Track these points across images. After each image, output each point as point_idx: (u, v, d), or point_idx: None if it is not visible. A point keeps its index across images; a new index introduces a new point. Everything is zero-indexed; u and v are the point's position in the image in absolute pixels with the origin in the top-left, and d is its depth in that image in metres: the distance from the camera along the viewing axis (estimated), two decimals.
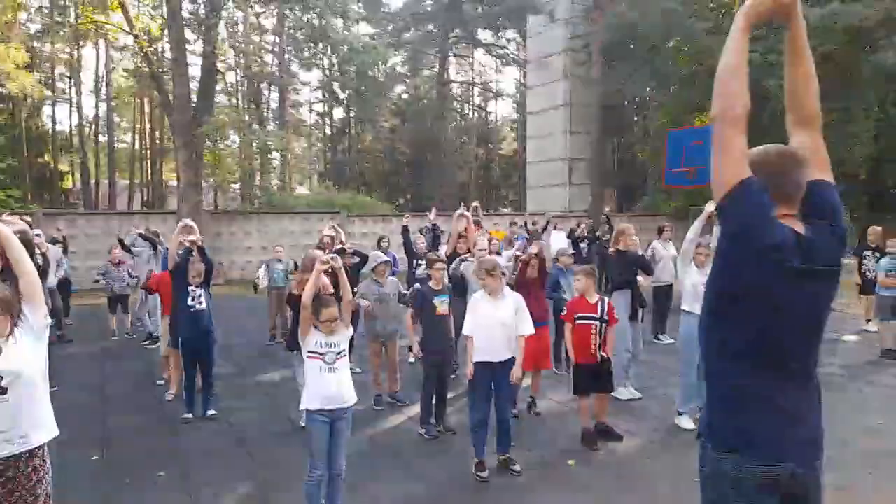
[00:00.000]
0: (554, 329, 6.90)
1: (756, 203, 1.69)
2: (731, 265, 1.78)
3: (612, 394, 5.74)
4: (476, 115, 45.55)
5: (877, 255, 8.79)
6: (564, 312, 5.23)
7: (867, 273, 8.87)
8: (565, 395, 6.20)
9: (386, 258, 6.21)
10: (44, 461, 2.56)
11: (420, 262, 7.41)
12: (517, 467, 4.41)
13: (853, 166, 19.96)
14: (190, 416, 5.55)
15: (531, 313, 4.73)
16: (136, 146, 34.35)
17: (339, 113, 40.64)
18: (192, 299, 5.53)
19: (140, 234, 9.03)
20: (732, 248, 1.76)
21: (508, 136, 46.85)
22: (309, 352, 3.55)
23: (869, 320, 9.14)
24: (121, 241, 9.03)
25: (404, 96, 40.42)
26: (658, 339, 8.42)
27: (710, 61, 19.43)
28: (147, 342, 8.60)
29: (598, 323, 4.95)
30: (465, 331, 4.50)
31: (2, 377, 2.40)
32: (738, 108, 1.70)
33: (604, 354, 4.96)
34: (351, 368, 3.91)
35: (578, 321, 4.99)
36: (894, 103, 20.51)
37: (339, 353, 3.55)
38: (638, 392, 6.14)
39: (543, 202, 25.43)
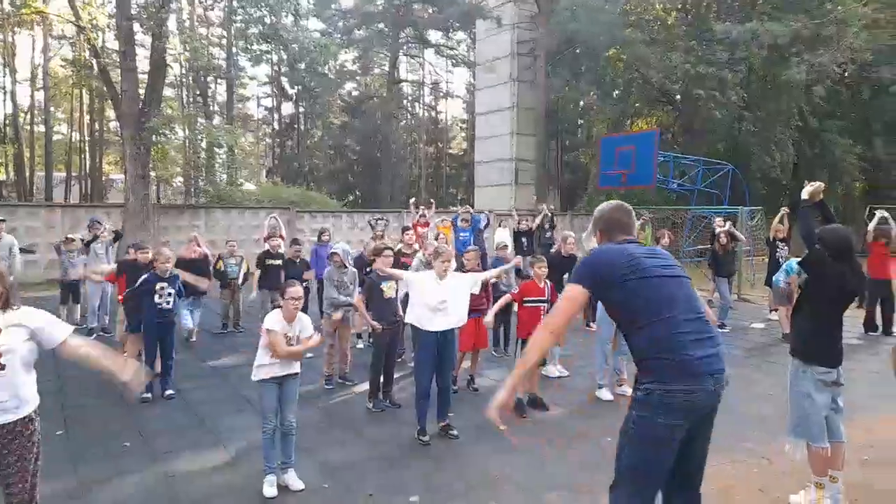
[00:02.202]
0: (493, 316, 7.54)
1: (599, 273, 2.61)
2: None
3: (542, 371, 6.43)
4: (426, 114, 46.07)
5: (785, 246, 9.93)
6: (516, 291, 5.96)
7: (780, 260, 9.72)
8: (501, 374, 6.82)
9: (336, 249, 6.67)
10: (35, 418, 2.94)
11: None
12: (455, 432, 4.97)
13: (775, 171, 21.57)
14: (149, 395, 5.85)
15: (470, 303, 5.33)
16: (75, 137, 33.16)
17: (287, 108, 40.46)
18: (160, 297, 5.87)
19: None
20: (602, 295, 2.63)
21: (458, 135, 47.62)
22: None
23: (774, 309, 10.15)
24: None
25: (354, 93, 40.56)
26: (588, 326, 9.15)
27: (647, 70, 20.64)
28: (92, 337, 8.71)
29: (546, 305, 5.73)
30: (410, 310, 5.05)
31: (1, 353, 2.76)
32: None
33: None
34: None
35: (530, 304, 5.74)
36: (812, 113, 22.23)
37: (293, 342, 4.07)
38: (566, 370, 6.82)
39: (490, 201, 26.19)
